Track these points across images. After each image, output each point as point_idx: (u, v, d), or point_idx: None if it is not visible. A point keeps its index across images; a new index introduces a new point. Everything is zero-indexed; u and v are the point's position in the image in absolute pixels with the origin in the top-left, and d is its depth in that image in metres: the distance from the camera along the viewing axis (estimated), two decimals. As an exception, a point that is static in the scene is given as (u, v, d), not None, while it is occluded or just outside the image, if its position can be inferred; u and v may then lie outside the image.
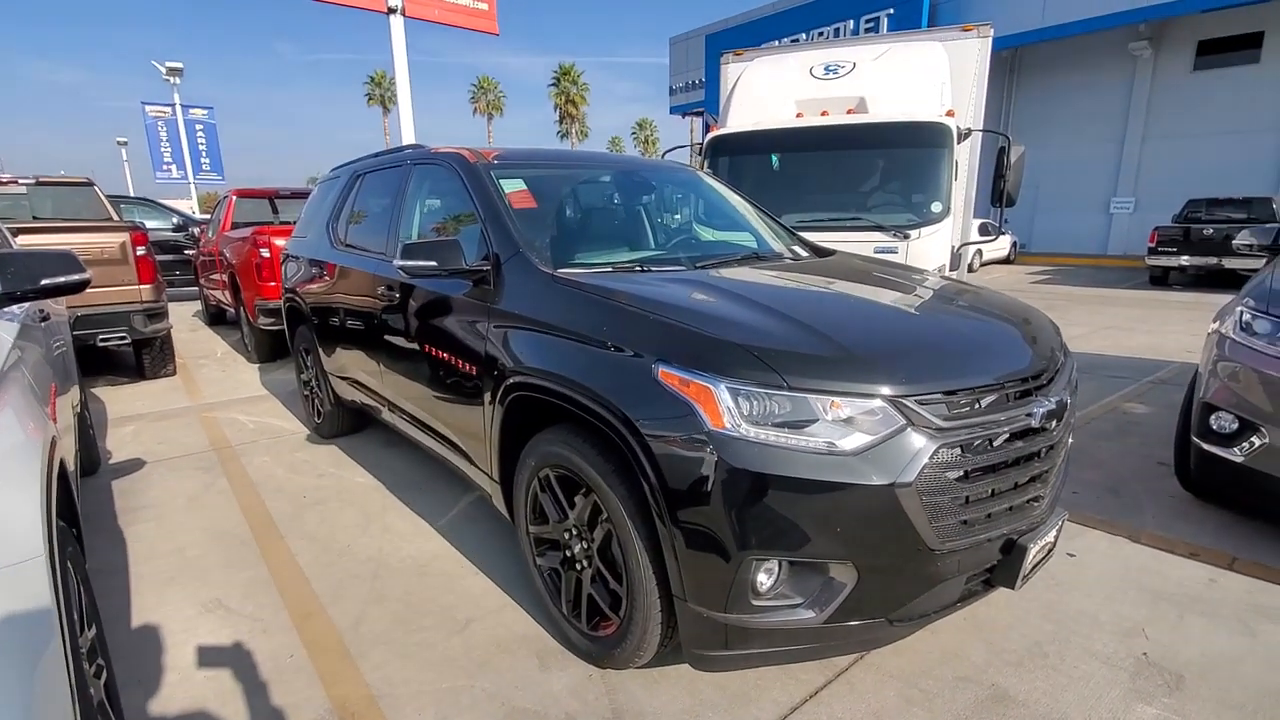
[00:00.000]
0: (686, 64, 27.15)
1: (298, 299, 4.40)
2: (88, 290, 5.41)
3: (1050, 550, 2.03)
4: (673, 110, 28.73)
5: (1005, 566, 1.87)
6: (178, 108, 23.79)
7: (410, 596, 2.58)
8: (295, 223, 5.12)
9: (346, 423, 4.41)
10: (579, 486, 2.05)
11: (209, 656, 2.26)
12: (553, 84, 58.83)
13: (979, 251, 16.24)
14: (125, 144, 39.12)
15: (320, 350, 4.16)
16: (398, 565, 2.82)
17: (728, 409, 1.62)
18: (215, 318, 9.26)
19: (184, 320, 9.63)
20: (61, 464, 1.70)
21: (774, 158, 5.33)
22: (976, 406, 1.75)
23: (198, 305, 10.39)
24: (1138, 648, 2.24)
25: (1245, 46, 17.09)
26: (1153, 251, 13.77)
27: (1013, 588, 1.89)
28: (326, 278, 3.95)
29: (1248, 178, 16.48)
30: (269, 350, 6.80)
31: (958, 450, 1.68)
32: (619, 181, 3.31)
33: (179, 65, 22.19)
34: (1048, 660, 2.17)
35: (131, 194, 15.37)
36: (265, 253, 6.09)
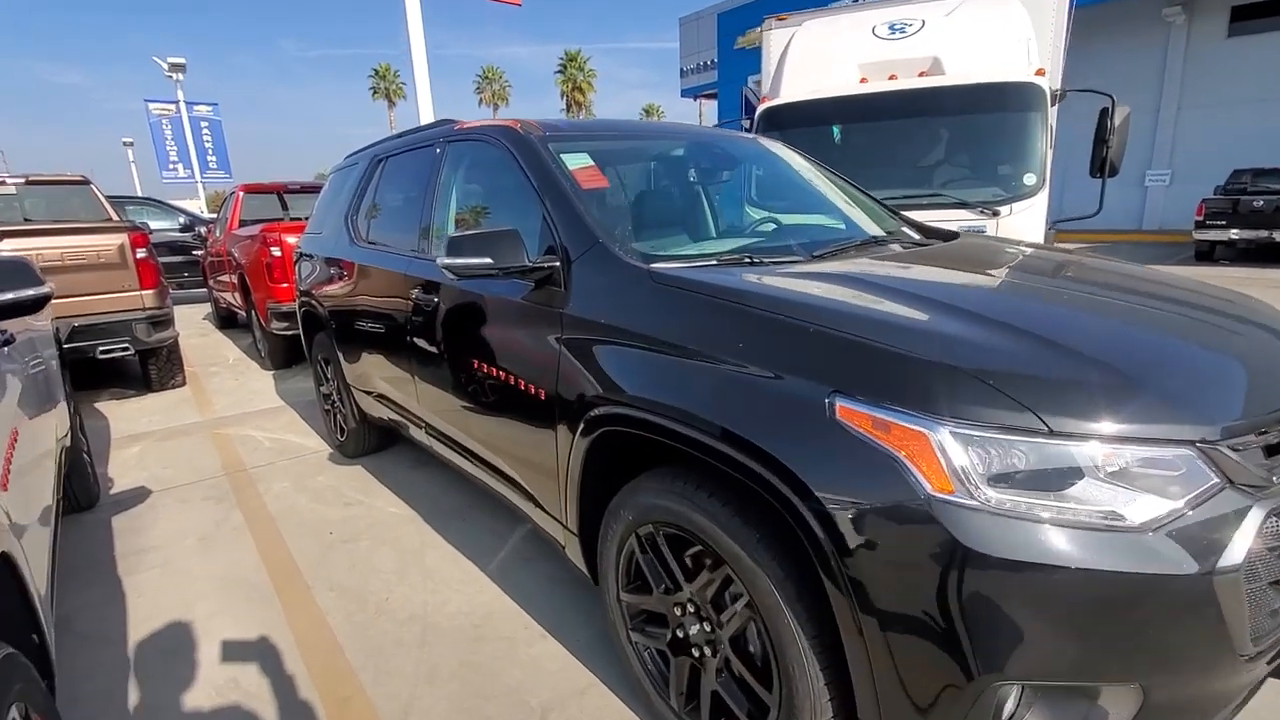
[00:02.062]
0: (698, 45, 26.35)
1: (314, 303, 3.92)
2: (84, 298, 4.95)
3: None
4: (684, 93, 27.99)
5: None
6: (182, 104, 23.30)
7: (468, 671, 2.10)
8: (307, 219, 4.65)
9: (373, 441, 3.93)
10: (702, 552, 1.56)
11: (224, 764, 1.79)
12: (559, 71, 57.98)
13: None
14: (131, 144, 38.76)
15: (342, 360, 3.68)
16: (447, 625, 2.34)
17: (957, 465, 1.11)
18: (226, 321, 8.81)
19: (193, 324, 9.20)
20: (5, 558, 1.22)
21: (835, 129, 4.77)
22: (1300, 450, 1.22)
23: (208, 308, 9.96)
24: None
25: (1278, 11, 16.26)
26: (1200, 225, 13.17)
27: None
28: (346, 279, 3.46)
29: (1283, 147, 15.72)
30: (284, 356, 6.35)
31: None
32: (695, 155, 2.77)
33: (181, 60, 21.68)
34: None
35: (139, 195, 14.98)
36: (276, 251, 5.62)
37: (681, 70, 27.62)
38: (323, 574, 2.72)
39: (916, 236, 2.58)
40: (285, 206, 8.23)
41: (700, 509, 1.47)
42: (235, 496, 3.54)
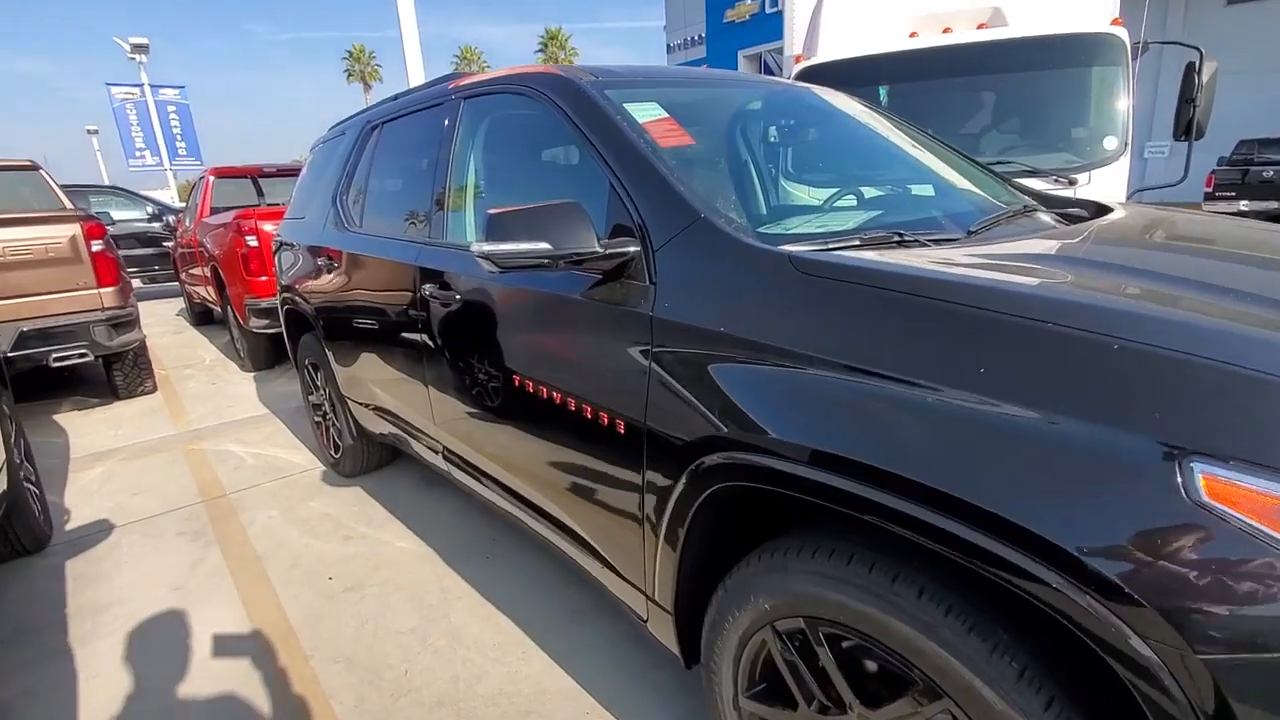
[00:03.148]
0: (685, 20, 25.65)
1: (298, 300, 3.37)
2: (33, 298, 4.32)
3: None
4: (671, 70, 27.21)
5: None
6: (146, 88, 22.10)
7: (526, 788, 1.62)
8: (285, 204, 4.09)
9: (373, 459, 3.41)
10: (865, 649, 1.08)
11: None
12: (540, 50, 56.52)
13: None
14: (96, 132, 37.36)
15: (335, 367, 3.15)
16: (488, 712, 1.85)
17: None
18: (201, 317, 8.16)
19: (166, 321, 8.56)
20: None
21: (881, 90, 4.25)
22: None
23: (181, 303, 9.29)
24: None
25: (1280, -21, 16.01)
26: (1209, 197, 13.09)
27: None
28: (337, 271, 2.92)
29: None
30: (265, 356, 5.78)
31: None
32: (777, 107, 2.26)
33: (144, 41, 20.52)
34: None
35: (105, 184, 14.10)
36: (252, 240, 5.03)
37: (668, 46, 26.88)
38: (324, 636, 2.21)
39: (1042, 209, 2.09)
40: (260, 192, 7.58)
41: (905, 614, 0.99)
42: (214, 529, 3.01)
